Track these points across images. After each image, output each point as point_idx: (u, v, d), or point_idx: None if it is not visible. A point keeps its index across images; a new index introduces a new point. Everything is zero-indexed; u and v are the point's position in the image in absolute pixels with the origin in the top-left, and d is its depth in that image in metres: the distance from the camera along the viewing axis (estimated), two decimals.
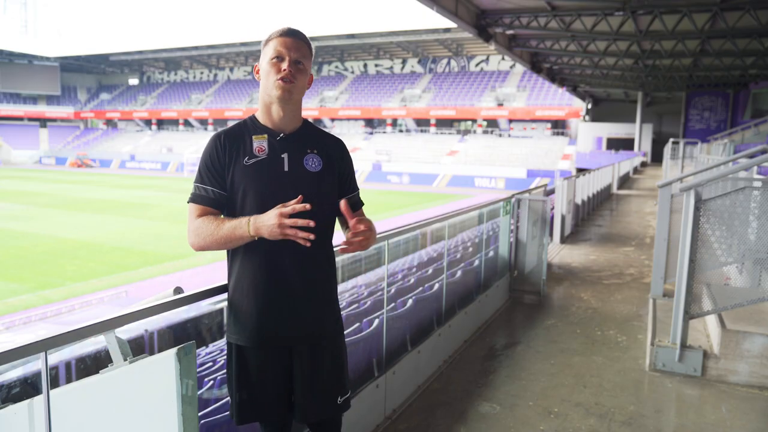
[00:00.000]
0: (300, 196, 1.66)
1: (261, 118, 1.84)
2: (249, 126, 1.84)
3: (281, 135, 1.81)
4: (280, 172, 1.77)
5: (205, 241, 1.75)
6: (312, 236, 1.64)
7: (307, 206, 1.64)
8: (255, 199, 1.75)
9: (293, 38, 1.78)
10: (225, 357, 3.86)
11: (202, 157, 1.82)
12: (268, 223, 1.65)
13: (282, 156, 1.79)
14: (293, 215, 1.64)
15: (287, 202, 1.70)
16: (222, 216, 1.82)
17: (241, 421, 1.84)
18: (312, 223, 1.63)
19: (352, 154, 1.98)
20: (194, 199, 1.79)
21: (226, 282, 1.96)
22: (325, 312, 1.87)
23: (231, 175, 1.77)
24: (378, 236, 3.06)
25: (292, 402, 1.89)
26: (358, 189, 1.98)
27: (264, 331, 1.79)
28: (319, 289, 1.85)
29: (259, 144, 1.78)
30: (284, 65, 1.75)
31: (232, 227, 1.71)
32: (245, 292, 1.79)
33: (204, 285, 1.99)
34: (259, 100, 1.86)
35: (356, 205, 1.95)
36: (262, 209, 1.72)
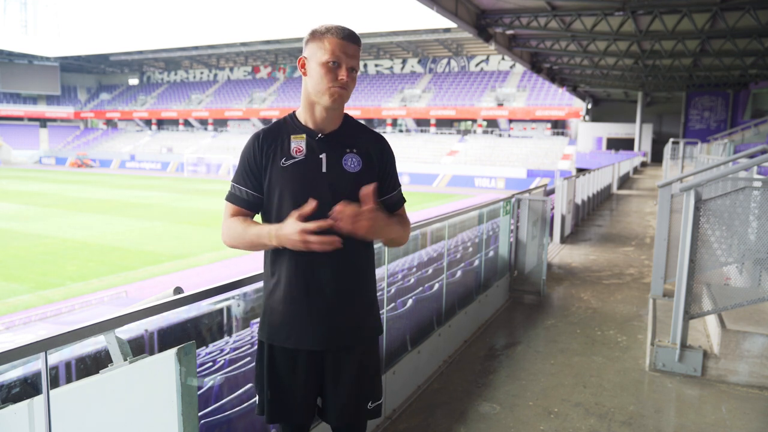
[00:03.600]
0: (314, 203, 1.60)
1: (302, 116, 1.79)
2: (289, 125, 1.79)
3: (320, 135, 1.76)
4: (317, 174, 1.72)
5: (234, 242, 1.76)
6: (338, 240, 1.59)
7: (330, 222, 1.58)
8: (292, 201, 1.70)
9: (352, 44, 1.70)
10: (225, 357, 3.86)
11: (241, 155, 1.80)
12: (290, 237, 1.61)
13: (320, 156, 1.73)
14: (318, 231, 1.58)
15: (325, 203, 1.65)
16: (253, 217, 1.81)
17: (272, 420, 1.81)
18: (338, 241, 1.58)
19: (393, 150, 1.91)
20: (229, 197, 1.79)
21: (232, 280, 1.94)
22: (362, 318, 1.82)
23: (268, 176, 1.74)
24: None
25: (317, 403, 1.86)
26: (399, 186, 1.89)
27: (298, 336, 1.75)
28: (357, 295, 1.79)
29: (297, 144, 1.74)
30: (341, 74, 1.68)
31: (256, 234, 1.70)
32: (282, 297, 1.75)
33: (204, 285, 1.99)
34: (302, 97, 1.79)
35: (397, 204, 1.88)
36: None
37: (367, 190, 1.61)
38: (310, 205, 1.60)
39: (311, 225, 1.57)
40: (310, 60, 1.72)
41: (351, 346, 1.80)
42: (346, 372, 1.80)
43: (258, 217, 1.83)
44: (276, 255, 1.77)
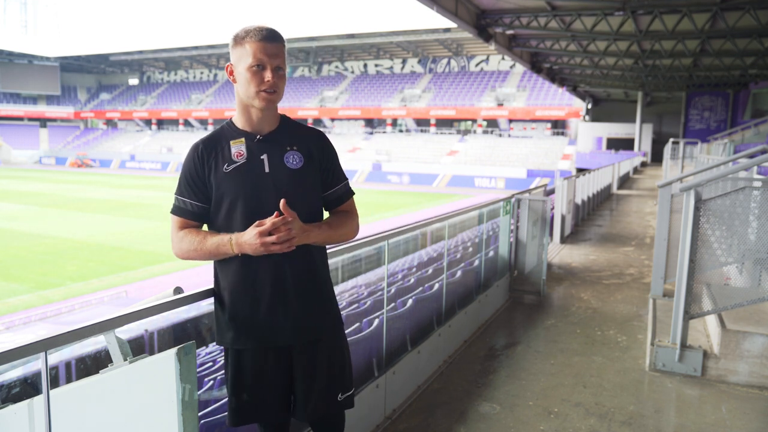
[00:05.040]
0: (276, 213, 1.66)
1: (238, 121, 1.81)
2: (227, 131, 1.81)
3: (259, 137, 1.79)
4: (261, 174, 1.75)
5: (189, 254, 1.78)
6: (294, 244, 1.67)
7: (284, 217, 1.64)
8: (241, 204, 1.74)
9: (273, 43, 1.71)
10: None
11: (182, 167, 1.81)
12: (250, 242, 1.66)
13: (261, 157, 1.77)
14: (274, 228, 1.65)
15: (271, 203, 1.71)
16: (203, 226, 1.83)
17: (236, 424, 1.84)
18: (294, 233, 1.65)
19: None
20: (175, 210, 1.81)
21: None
22: (321, 309, 1.86)
23: (213, 184, 1.76)
24: (378, 236, 3.07)
25: (290, 400, 1.88)
26: (345, 179, 1.94)
27: (261, 333, 1.78)
28: (313, 286, 1.83)
29: (237, 149, 1.76)
30: (267, 75, 1.70)
31: (215, 244, 1.72)
32: (238, 295, 1.78)
33: (204, 285, 1.99)
34: (236, 103, 1.81)
35: (345, 195, 1.92)
36: (249, 213, 1.72)
37: (282, 203, 1.65)
38: (272, 216, 1.64)
39: (267, 225, 1.63)
40: (236, 66, 1.75)
41: (318, 339, 1.84)
42: (314, 365, 1.84)
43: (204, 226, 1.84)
44: (229, 260, 1.78)
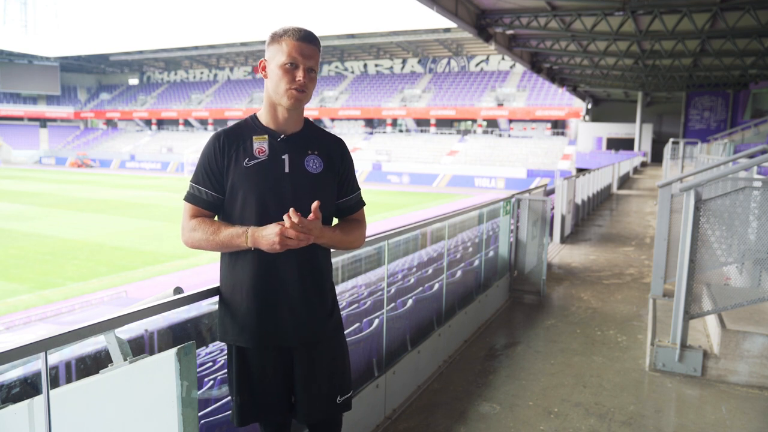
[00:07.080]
0: (299, 214, 1.65)
1: (263, 118, 1.82)
2: (250, 126, 1.82)
3: (282, 136, 1.80)
4: (280, 174, 1.76)
5: (200, 243, 1.77)
6: (309, 242, 1.69)
7: (310, 222, 1.66)
8: (256, 200, 1.74)
9: (309, 45, 1.74)
10: (225, 357, 3.86)
11: (201, 155, 1.81)
12: (268, 239, 1.66)
13: (283, 157, 1.77)
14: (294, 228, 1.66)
15: (287, 203, 1.71)
16: (216, 217, 1.83)
17: (242, 423, 1.84)
18: (311, 238, 1.67)
19: (351, 154, 1.96)
20: (189, 198, 1.80)
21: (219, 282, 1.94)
22: (324, 311, 1.86)
23: (231, 177, 1.76)
24: (378, 236, 3.07)
25: (292, 401, 1.89)
26: (359, 189, 1.96)
27: (263, 331, 1.78)
28: (317, 288, 1.84)
29: (260, 145, 1.77)
30: (299, 75, 1.72)
31: (229, 235, 1.72)
32: (243, 293, 1.78)
33: (204, 285, 1.99)
34: (264, 99, 1.83)
35: (357, 205, 1.94)
36: (264, 211, 1.72)
37: (315, 205, 1.67)
38: (294, 215, 1.64)
39: (291, 232, 1.64)
40: (269, 62, 1.76)
41: (318, 341, 1.85)
42: (314, 367, 1.84)
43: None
44: (236, 258, 1.79)
